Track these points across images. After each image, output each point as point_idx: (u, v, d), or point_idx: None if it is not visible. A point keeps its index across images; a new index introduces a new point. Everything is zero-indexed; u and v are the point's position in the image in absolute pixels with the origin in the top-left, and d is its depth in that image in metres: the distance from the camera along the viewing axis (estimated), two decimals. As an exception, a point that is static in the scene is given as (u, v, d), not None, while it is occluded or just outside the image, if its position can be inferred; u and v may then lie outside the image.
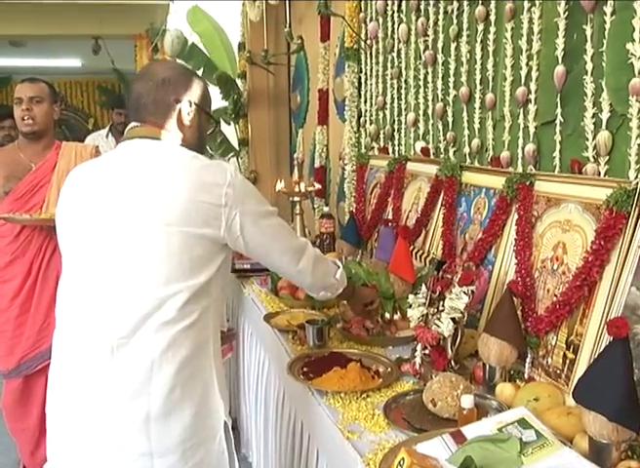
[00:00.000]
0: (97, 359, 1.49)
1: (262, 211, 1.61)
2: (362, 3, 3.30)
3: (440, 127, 2.62)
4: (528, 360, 1.80)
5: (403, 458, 1.30)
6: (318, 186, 3.40)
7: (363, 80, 3.38)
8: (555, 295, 1.77)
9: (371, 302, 2.18)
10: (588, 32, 1.76)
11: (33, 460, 2.91)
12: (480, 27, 2.27)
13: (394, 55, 3.00)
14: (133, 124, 1.60)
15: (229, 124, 5.20)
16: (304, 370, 1.98)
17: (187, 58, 5.00)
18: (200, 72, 4.99)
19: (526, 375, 1.79)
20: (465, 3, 2.36)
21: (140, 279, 1.47)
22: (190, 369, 1.49)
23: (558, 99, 1.90)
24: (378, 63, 3.19)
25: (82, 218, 1.55)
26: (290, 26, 4.15)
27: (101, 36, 7.87)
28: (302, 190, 3.15)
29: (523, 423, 1.44)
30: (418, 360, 1.91)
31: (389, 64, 3.06)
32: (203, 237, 1.48)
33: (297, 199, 3.23)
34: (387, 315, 2.28)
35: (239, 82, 5.02)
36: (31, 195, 2.79)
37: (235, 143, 5.22)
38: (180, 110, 1.60)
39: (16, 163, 2.84)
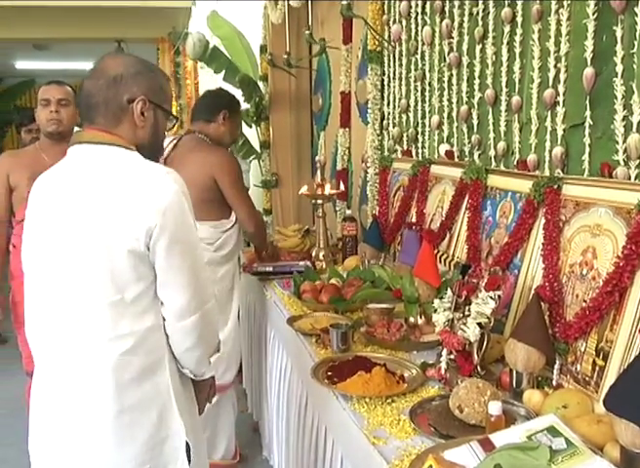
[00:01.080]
0: (51, 374, 1.49)
1: (191, 243, 1.50)
2: (385, 5, 3.29)
3: (465, 130, 2.60)
4: (556, 366, 1.77)
5: (431, 465, 1.29)
6: (342, 188, 3.39)
7: (386, 82, 3.36)
8: (584, 301, 1.74)
9: None
10: (618, 33, 1.73)
11: None
12: (506, 29, 2.25)
13: (418, 57, 2.98)
14: (76, 129, 1.56)
15: (251, 126, 5.21)
16: (329, 374, 1.96)
17: (209, 60, 5.00)
18: (222, 75, 5.01)
19: (554, 382, 1.77)
20: (491, 5, 2.34)
21: (73, 295, 1.45)
22: (139, 393, 1.45)
23: (587, 102, 1.87)
24: (401, 66, 3.17)
25: (37, 232, 1.54)
26: (311, 29, 4.14)
27: (124, 39, 7.91)
28: (326, 193, 3.14)
29: (553, 431, 1.42)
30: (443, 365, 1.89)
31: (413, 67, 3.04)
32: (129, 252, 1.41)
33: (319, 202, 3.22)
34: (412, 319, 2.27)
35: (261, 84, 5.03)
36: None
37: (257, 146, 5.23)
38: (132, 110, 1.51)
39: (39, 164, 2.85)
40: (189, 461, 1.51)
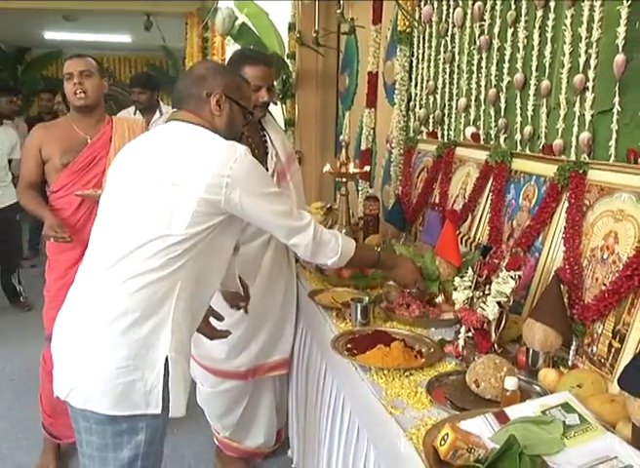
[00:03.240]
0: (89, 282, 1.79)
1: (263, 192, 1.81)
2: (417, -14, 3.29)
3: (492, 113, 2.61)
4: (572, 347, 1.80)
5: (447, 434, 1.33)
6: (367, 168, 3.41)
7: (414, 64, 3.37)
8: (604, 284, 1.77)
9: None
10: (652, 21, 1.74)
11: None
12: (539, 13, 2.25)
13: (448, 39, 2.99)
14: (173, 110, 1.94)
15: (276, 104, 5.22)
16: (348, 346, 2.01)
17: (237, 36, 5.02)
18: (250, 51, 5.01)
19: (570, 363, 1.80)
20: (525, -12, 2.34)
21: (132, 222, 1.74)
22: (145, 304, 1.68)
23: (617, 88, 1.88)
24: (430, 47, 3.18)
25: (120, 173, 1.88)
26: (342, 8, 4.14)
27: (153, 13, 7.93)
28: (350, 172, 3.16)
29: (567, 407, 1.46)
30: (461, 342, 1.93)
31: (442, 49, 3.05)
32: (204, 200, 1.69)
33: (343, 180, 3.24)
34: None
35: (288, 62, 5.04)
36: (89, 168, 2.87)
37: (282, 123, 5.25)
38: (210, 102, 1.86)
39: (71, 137, 2.90)
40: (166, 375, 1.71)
